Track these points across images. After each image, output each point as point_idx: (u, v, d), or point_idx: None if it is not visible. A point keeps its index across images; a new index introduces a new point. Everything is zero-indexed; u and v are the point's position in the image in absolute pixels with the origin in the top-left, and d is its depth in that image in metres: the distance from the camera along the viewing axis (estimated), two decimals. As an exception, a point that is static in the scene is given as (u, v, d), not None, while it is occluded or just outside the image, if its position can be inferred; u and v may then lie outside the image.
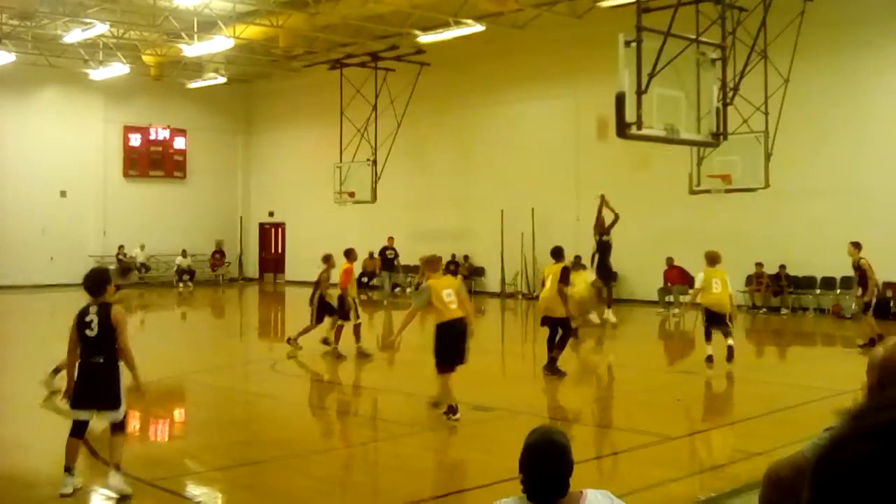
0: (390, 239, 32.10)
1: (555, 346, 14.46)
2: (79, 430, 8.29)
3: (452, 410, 11.25)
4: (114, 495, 8.16)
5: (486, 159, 32.36)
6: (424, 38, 28.53)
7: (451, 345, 11.27)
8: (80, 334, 8.25)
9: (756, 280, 25.83)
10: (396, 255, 32.21)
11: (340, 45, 32.32)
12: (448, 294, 11.32)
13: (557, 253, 15.07)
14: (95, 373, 8.19)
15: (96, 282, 8.62)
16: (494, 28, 27.81)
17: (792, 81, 22.76)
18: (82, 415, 8.26)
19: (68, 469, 8.15)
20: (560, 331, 14.48)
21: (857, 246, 18.23)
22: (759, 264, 25.57)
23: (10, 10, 27.85)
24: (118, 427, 8.39)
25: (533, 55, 30.18)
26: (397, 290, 32.35)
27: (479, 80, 32.30)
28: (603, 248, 22.24)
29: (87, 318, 8.27)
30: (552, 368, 14.48)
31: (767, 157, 22.21)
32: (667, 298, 26.36)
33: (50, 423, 11.77)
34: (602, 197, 21.77)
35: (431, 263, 12.12)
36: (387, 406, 13.22)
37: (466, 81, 32.55)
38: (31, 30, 30.37)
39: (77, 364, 8.24)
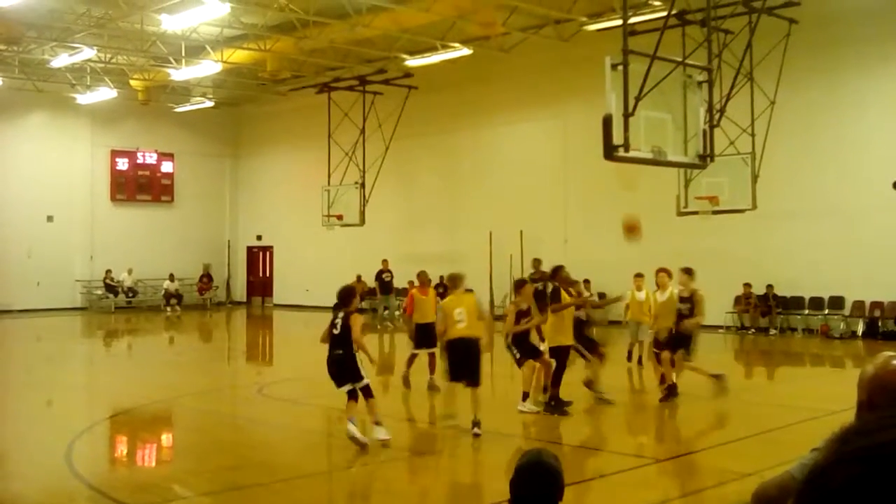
0: (385, 262, 31.92)
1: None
2: (352, 396, 11.02)
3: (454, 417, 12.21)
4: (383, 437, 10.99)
5: (474, 182, 32.42)
6: (412, 62, 28.66)
7: (455, 361, 11.89)
8: (329, 333, 11.10)
9: (744, 301, 25.86)
10: (392, 278, 31.77)
11: (328, 68, 32.40)
12: (459, 313, 11.84)
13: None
14: (340, 361, 10.98)
15: (343, 295, 11.43)
16: (481, 52, 27.93)
17: (778, 103, 22.91)
18: (346, 387, 11.01)
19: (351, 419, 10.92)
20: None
21: (689, 272, 15.33)
22: (747, 285, 25.62)
23: (-2, 35, 27.87)
24: (367, 393, 11.03)
25: (520, 78, 30.31)
26: (387, 312, 32.13)
27: (466, 103, 32.38)
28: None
29: (336, 321, 11.08)
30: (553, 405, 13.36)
31: (754, 178, 22.31)
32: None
33: (34, 449, 11.69)
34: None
35: (452, 280, 12.79)
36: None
37: (454, 104, 32.63)
38: (19, 55, 30.38)
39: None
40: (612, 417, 14.02)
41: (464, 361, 11.78)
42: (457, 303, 12.08)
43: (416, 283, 16.93)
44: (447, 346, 12.08)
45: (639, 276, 18.60)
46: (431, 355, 15.45)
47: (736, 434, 12.01)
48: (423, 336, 15.51)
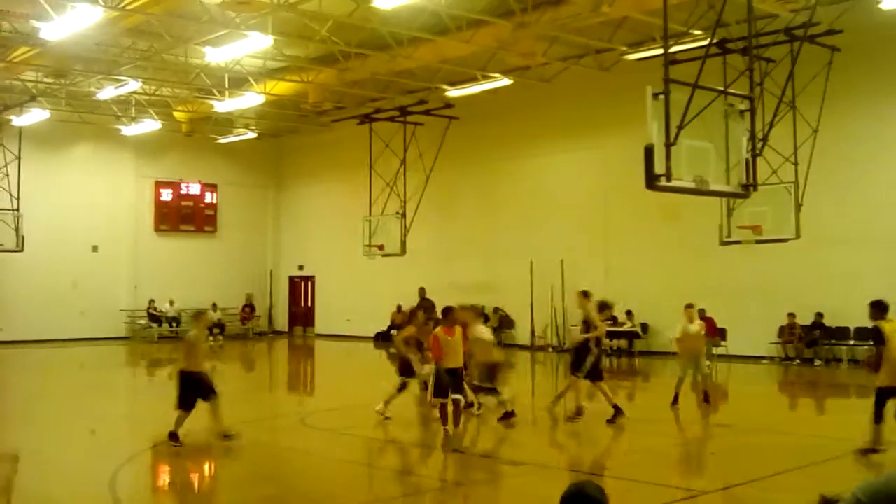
0: (422, 290, 32.05)
1: None
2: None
3: (173, 437, 13.18)
4: None
5: (514, 211, 32.41)
6: (453, 93, 28.78)
7: (189, 390, 13.32)
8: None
9: (788, 331, 25.56)
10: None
11: (369, 99, 32.61)
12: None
13: (882, 308, 12.82)
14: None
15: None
16: (522, 82, 28.00)
17: (821, 131, 22.74)
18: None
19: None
20: None
21: (586, 295, 15.66)
22: (791, 315, 25.33)
23: (46, 69, 28.33)
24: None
25: (560, 108, 30.34)
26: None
27: (507, 133, 32.45)
28: None
29: None
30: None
31: (798, 207, 22.13)
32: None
33: (79, 478, 11.77)
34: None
35: (196, 317, 14.64)
36: (418, 461, 13.13)
37: (494, 134, 32.71)
38: (66, 87, 30.87)
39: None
40: (656, 449, 13.90)
41: (194, 390, 13.31)
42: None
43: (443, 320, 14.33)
44: (181, 375, 13.50)
45: (689, 306, 17.72)
46: (456, 402, 13.55)
47: (781, 467, 11.86)
48: (451, 381, 13.49)
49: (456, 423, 13.59)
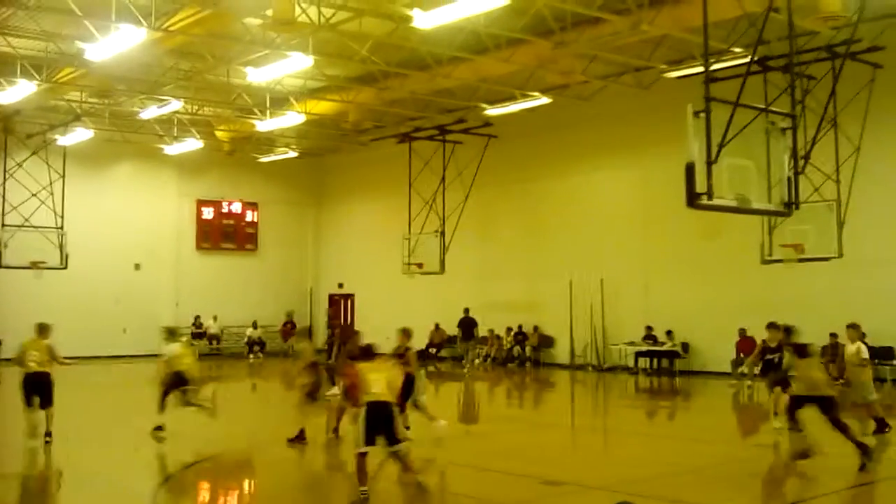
0: (466, 310, 32.23)
1: None
2: None
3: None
4: None
5: (554, 230, 32.35)
6: (492, 111, 28.84)
7: (28, 391, 15.13)
8: None
9: (831, 351, 25.26)
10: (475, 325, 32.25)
11: (409, 118, 32.76)
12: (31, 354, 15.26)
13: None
14: None
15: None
16: (561, 100, 28.01)
17: (863, 149, 22.55)
18: None
19: None
20: None
21: (405, 333, 17.03)
22: (833, 335, 25.04)
23: (90, 89, 28.70)
24: None
25: (600, 126, 30.29)
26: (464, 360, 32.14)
27: (546, 152, 32.43)
28: None
29: None
30: None
31: (840, 225, 21.94)
32: (740, 370, 25.89)
33: (122, 496, 11.86)
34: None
35: (39, 329, 15.69)
36: (459, 480, 13.11)
37: (533, 153, 32.70)
38: (109, 107, 31.25)
39: None
40: (697, 469, 13.80)
41: (37, 391, 15.14)
42: (33, 346, 15.42)
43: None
44: (24, 377, 15.21)
45: (851, 326, 17.28)
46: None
47: (822, 489, 11.73)
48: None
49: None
